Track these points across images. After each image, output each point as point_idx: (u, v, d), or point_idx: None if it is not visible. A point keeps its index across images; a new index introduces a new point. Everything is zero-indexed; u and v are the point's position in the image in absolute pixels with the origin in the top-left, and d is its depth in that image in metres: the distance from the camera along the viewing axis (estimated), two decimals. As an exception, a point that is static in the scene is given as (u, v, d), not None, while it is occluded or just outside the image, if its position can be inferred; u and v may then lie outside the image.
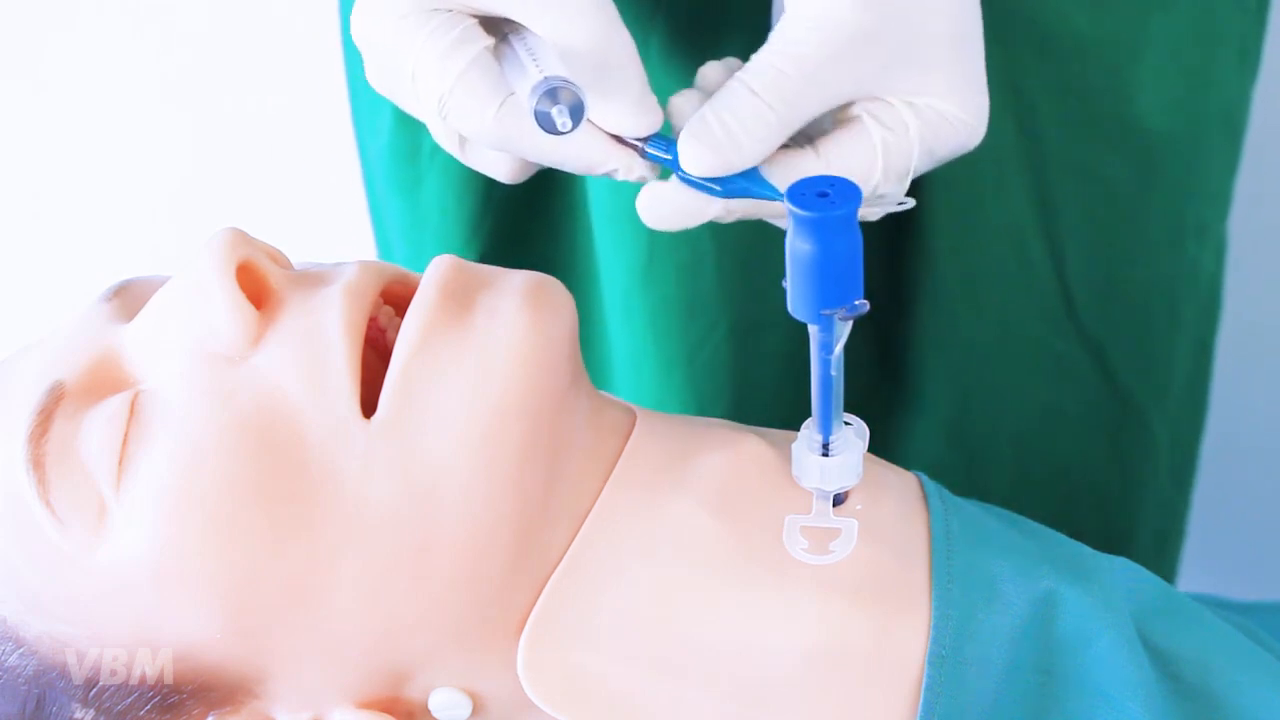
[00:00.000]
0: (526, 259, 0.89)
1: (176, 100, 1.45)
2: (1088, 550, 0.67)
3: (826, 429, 0.61)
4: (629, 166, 0.62)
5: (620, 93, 0.61)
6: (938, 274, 0.87)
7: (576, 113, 0.57)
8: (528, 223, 0.92)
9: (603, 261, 0.90)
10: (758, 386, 0.91)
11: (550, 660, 0.62)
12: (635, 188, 0.63)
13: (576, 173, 0.65)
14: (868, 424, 0.64)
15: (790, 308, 0.57)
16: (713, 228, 0.64)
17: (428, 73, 0.60)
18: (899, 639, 0.62)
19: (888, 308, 0.88)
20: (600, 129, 0.61)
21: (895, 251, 0.87)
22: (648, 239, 0.86)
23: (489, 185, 0.89)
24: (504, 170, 0.65)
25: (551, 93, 0.57)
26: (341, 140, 1.49)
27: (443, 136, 0.65)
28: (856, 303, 0.56)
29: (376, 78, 0.64)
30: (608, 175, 0.62)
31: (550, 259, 0.92)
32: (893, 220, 0.70)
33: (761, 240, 0.78)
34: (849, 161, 0.61)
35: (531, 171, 0.66)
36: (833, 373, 0.59)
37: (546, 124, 0.57)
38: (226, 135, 1.47)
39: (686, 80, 0.66)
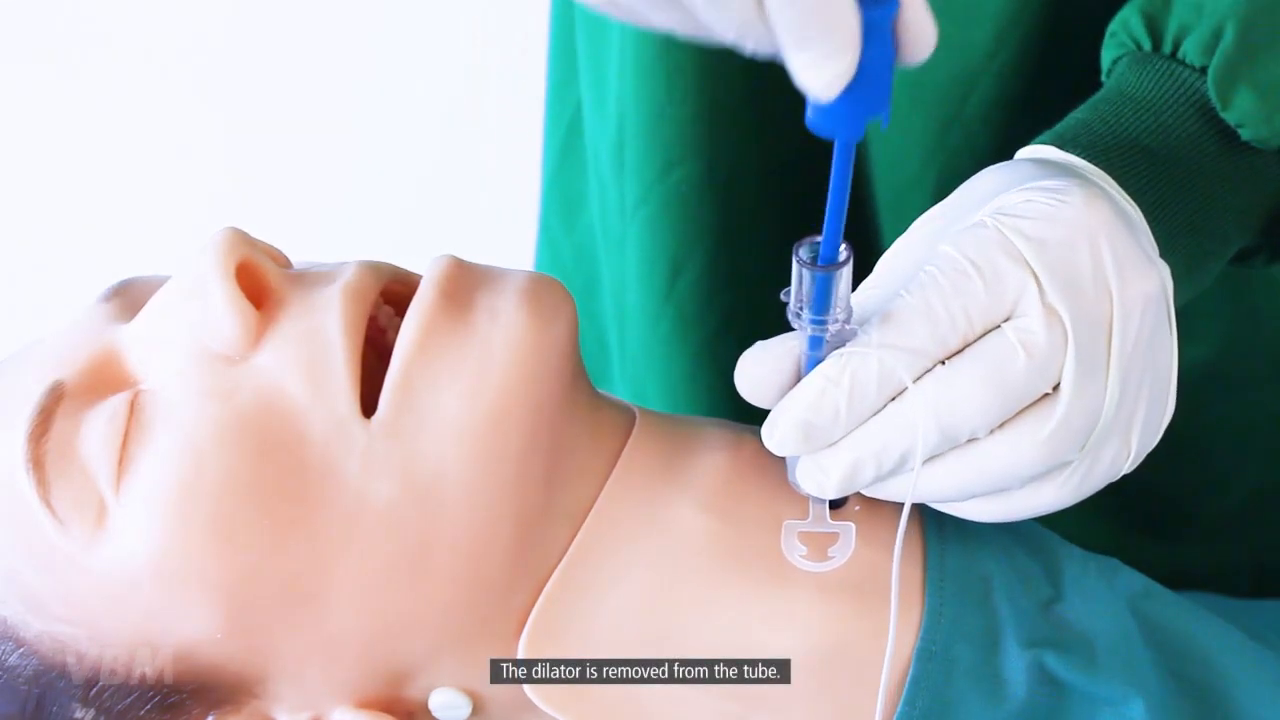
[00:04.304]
0: None
1: (177, 99, 1.45)
2: (1080, 552, 0.67)
3: None
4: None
5: None
6: None
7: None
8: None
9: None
10: None
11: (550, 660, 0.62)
12: None
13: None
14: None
15: (812, 123, 0.51)
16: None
17: None
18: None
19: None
20: None
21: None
22: None
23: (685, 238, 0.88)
24: None
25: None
26: (343, 139, 1.49)
27: None
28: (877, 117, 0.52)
29: None
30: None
31: None
32: None
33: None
34: None
35: None
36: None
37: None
38: (227, 135, 1.47)
39: None
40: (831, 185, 0.54)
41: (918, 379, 0.57)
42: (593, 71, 0.90)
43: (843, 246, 0.56)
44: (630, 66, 0.84)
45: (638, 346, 0.93)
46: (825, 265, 0.56)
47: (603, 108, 0.89)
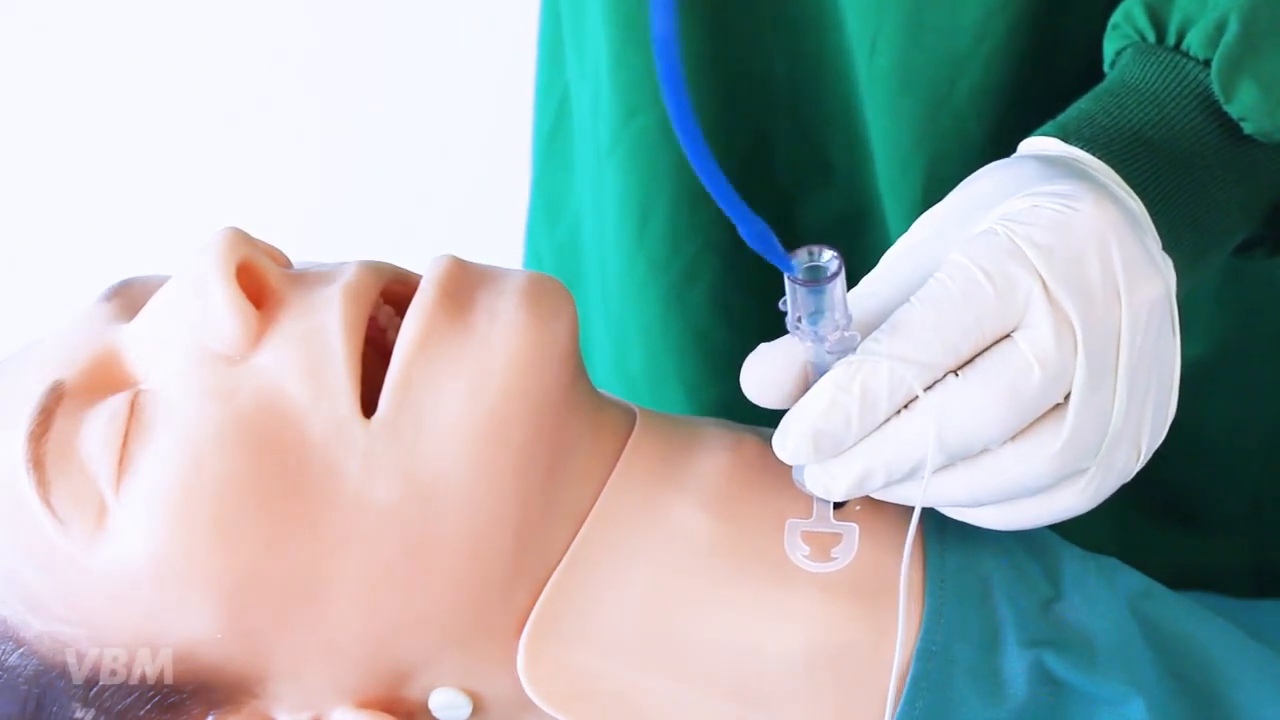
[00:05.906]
0: None
1: (177, 99, 1.45)
2: (1080, 551, 0.67)
3: None
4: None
5: None
6: None
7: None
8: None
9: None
10: None
11: (550, 660, 0.62)
12: None
13: None
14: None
15: None
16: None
17: None
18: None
19: None
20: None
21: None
22: None
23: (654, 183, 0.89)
24: None
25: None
26: (342, 139, 1.49)
27: None
28: None
29: None
30: None
31: None
32: None
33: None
34: None
35: None
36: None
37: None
38: (227, 134, 1.47)
39: None
40: (722, 203, 0.53)
41: (928, 388, 0.57)
42: (576, 20, 0.90)
43: (834, 256, 0.56)
44: (599, 11, 0.85)
45: (618, 294, 0.94)
46: (816, 280, 0.56)
47: (583, 53, 0.90)
